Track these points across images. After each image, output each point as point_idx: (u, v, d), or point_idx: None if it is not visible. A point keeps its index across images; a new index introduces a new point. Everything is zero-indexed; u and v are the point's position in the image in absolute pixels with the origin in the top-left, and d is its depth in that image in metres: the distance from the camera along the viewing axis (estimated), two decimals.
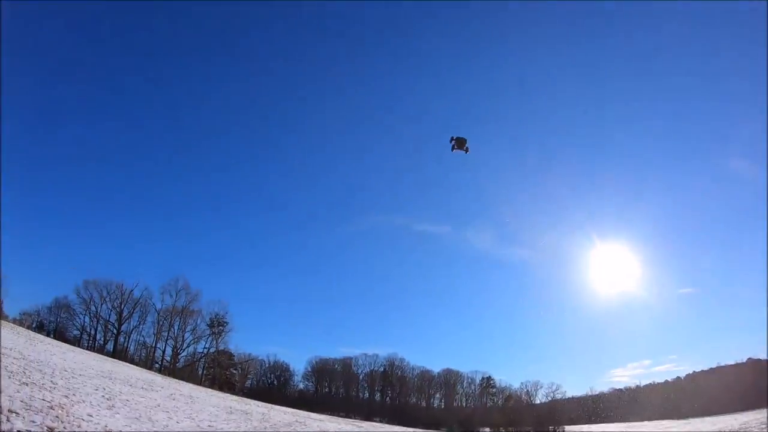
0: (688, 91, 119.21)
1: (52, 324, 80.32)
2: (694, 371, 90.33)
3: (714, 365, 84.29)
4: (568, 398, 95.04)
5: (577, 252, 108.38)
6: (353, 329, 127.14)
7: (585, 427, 73.16)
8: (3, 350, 26.59)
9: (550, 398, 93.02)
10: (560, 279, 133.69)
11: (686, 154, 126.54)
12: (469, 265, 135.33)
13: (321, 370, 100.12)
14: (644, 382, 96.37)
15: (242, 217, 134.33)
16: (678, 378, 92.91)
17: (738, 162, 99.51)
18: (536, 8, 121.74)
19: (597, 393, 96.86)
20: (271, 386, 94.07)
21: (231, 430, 26.19)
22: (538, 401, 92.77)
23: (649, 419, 74.42)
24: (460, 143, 23.71)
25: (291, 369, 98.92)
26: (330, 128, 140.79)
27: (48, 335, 66.44)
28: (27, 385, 18.62)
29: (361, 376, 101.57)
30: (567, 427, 71.03)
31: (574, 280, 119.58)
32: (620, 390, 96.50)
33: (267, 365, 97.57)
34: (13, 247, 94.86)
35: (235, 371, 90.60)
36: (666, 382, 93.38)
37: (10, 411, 13.04)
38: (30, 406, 14.78)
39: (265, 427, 31.22)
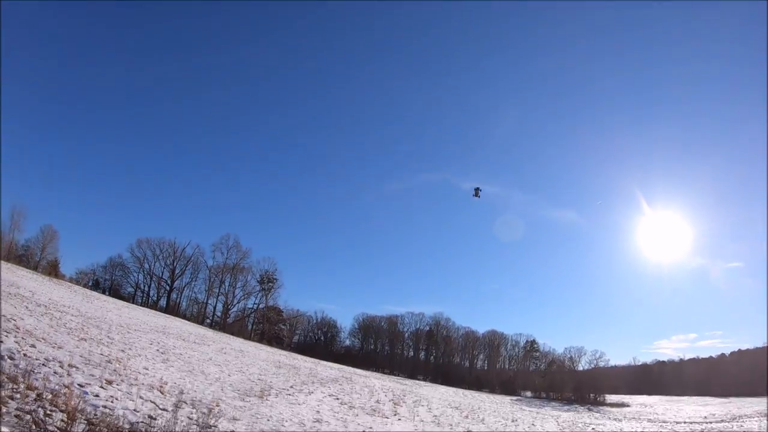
0: (741, 56, 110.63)
1: (107, 282, 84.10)
2: (739, 349, 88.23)
3: (760, 344, 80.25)
4: (611, 366, 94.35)
5: (626, 218, 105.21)
6: (400, 287, 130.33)
7: (626, 397, 71.91)
8: (62, 308, 28.04)
9: (593, 365, 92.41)
10: (609, 245, 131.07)
11: (735, 120, 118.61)
12: (516, 226, 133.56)
13: (367, 327, 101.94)
14: (688, 356, 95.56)
15: (291, 176, 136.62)
16: (722, 354, 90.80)
17: None
18: None
19: (640, 363, 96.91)
20: (318, 342, 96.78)
21: (280, 382, 26.96)
22: (580, 368, 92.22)
23: (690, 395, 72.25)
24: (476, 192, 36.41)
25: (338, 325, 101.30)
26: (379, 87, 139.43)
27: (103, 293, 69.79)
28: (85, 340, 19.51)
29: (406, 335, 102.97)
30: (607, 396, 69.91)
31: (622, 247, 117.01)
32: (663, 362, 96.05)
33: (315, 321, 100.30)
34: (70, 208, 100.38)
35: (283, 327, 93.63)
36: (710, 357, 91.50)
37: (70, 365, 13.57)
38: (89, 360, 15.42)
39: (313, 381, 32.04)
